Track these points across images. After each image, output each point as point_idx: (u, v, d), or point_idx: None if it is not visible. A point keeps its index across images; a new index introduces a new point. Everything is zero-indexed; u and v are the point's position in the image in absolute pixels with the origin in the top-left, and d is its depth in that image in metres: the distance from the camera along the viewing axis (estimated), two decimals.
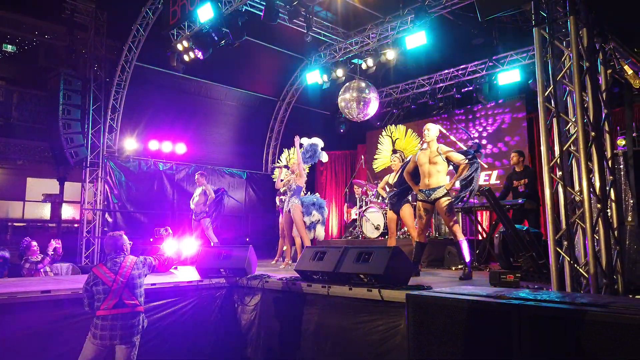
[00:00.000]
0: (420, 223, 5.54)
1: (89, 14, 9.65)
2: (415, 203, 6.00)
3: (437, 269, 6.94)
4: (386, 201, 7.17)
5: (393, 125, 7.22)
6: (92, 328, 3.56)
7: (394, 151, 6.76)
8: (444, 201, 5.33)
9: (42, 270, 6.83)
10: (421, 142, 5.74)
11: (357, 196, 9.80)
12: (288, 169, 7.42)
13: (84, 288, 3.64)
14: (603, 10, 4.03)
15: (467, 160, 5.31)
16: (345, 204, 11.11)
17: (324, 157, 7.65)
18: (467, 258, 5.30)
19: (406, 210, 6.22)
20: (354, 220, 10.11)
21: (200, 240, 7.74)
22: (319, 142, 7.51)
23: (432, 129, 5.52)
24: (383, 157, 7.18)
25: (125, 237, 3.88)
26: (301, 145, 7.30)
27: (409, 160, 5.92)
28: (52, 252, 6.85)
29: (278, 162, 8.24)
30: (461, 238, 5.36)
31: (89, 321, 3.64)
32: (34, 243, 7.04)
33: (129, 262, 3.73)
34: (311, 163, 7.68)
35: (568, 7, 3.90)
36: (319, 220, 7.14)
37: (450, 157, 5.44)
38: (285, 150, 8.31)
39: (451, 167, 5.63)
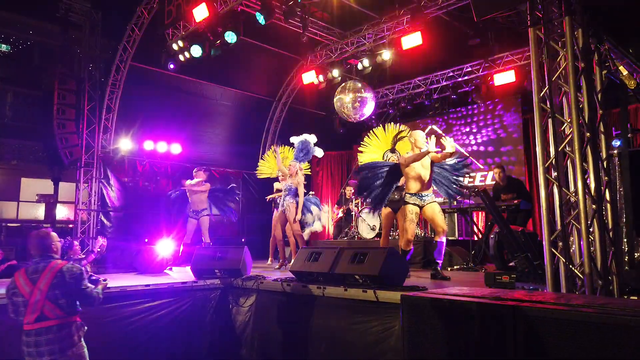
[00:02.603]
0: (413, 228, 5.49)
1: (83, 14, 9.59)
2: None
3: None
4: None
5: (394, 124, 6.84)
6: (21, 344, 3.05)
7: (393, 150, 6.44)
8: (436, 204, 5.43)
9: (84, 267, 6.80)
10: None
11: (347, 197, 9.82)
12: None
13: (6, 295, 3.11)
14: (598, 11, 4.04)
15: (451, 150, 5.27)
16: (335, 205, 11.13)
17: (319, 153, 7.52)
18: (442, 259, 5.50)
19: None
20: (340, 218, 10.12)
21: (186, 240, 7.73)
22: (310, 138, 7.38)
23: (419, 137, 5.50)
24: (370, 152, 6.74)
25: (54, 235, 3.26)
26: (292, 144, 7.31)
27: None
28: (99, 249, 6.83)
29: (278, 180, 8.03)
30: (444, 239, 5.46)
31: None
32: (76, 243, 7.05)
33: (52, 270, 3.06)
34: (306, 160, 7.55)
35: (563, 7, 3.90)
36: (318, 216, 7.12)
37: (437, 158, 5.46)
38: (270, 152, 8.40)
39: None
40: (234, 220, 8.40)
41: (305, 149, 7.32)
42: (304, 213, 6.97)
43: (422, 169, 5.39)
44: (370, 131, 6.97)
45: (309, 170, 8.01)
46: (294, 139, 7.41)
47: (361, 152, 6.92)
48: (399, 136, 6.49)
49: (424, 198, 5.40)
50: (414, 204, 5.40)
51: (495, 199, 7.21)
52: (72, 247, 6.93)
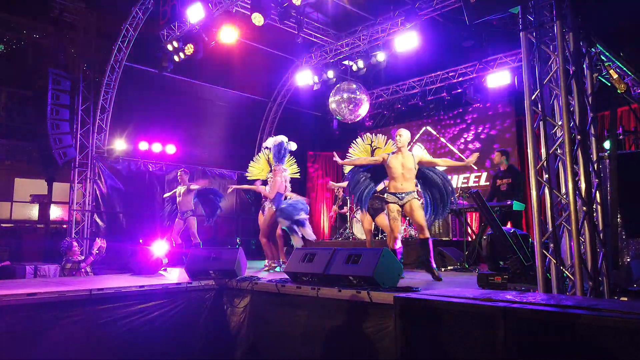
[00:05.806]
0: (397, 225, 5.59)
1: (78, 14, 9.58)
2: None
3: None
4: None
5: (372, 134, 7.11)
6: None
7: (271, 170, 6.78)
8: (416, 200, 5.51)
9: (83, 270, 6.78)
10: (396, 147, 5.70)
11: (337, 195, 9.85)
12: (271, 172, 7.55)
13: None
14: (589, 15, 4.08)
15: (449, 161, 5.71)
16: (334, 206, 11.15)
17: (293, 146, 7.53)
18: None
19: (383, 218, 6.44)
20: (338, 216, 10.16)
21: (180, 240, 7.75)
22: (284, 139, 7.38)
23: (404, 135, 5.59)
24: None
25: None
26: (267, 147, 7.42)
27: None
28: (97, 252, 6.80)
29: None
30: (429, 236, 5.55)
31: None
32: (75, 244, 7.03)
33: None
34: (283, 161, 7.49)
35: (555, 12, 3.94)
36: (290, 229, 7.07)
37: (432, 162, 5.68)
38: (261, 154, 8.41)
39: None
40: (211, 220, 8.32)
41: (281, 150, 7.31)
42: (278, 217, 6.90)
43: (400, 168, 5.50)
44: (353, 141, 7.25)
45: (298, 173, 8.03)
46: (268, 143, 7.46)
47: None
48: (373, 145, 6.85)
49: (402, 196, 5.49)
50: (394, 203, 5.53)
51: (494, 184, 7.32)
52: (71, 248, 6.90)
